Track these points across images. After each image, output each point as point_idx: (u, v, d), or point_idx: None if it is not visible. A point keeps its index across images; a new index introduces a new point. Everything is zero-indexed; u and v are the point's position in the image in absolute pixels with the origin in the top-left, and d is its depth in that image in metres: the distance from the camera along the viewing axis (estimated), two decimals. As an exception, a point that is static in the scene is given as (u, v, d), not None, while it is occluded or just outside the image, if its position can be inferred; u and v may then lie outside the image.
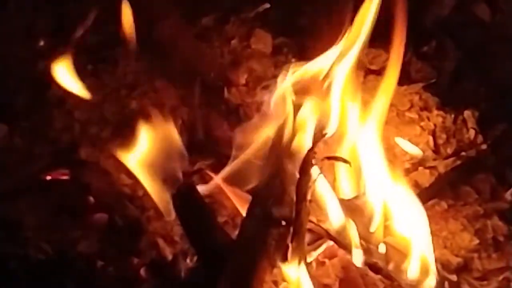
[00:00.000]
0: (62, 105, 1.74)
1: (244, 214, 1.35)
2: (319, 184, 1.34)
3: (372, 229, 1.34)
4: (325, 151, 1.42)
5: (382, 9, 1.39)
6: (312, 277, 1.26)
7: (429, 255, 1.32)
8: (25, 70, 1.80)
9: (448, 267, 1.45)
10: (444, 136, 1.69)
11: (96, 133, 1.70)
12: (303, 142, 1.35)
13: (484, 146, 1.66)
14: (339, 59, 1.40)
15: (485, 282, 1.45)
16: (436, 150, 1.67)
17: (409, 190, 1.36)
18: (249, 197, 1.36)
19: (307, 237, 1.33)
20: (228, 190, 1.40)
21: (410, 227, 1.34)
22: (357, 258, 1.31)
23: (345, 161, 1.33)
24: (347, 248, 1.36)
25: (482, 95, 1.75)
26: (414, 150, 1.64)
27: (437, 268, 1.33)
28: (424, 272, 1.31)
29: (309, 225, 1.34)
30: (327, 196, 1.35)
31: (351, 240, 1.32)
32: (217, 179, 1.40)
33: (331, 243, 1.38)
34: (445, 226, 1.52)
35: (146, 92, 1.76)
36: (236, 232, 1.34)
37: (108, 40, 1.84)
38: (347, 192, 1.41)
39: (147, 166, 1.35)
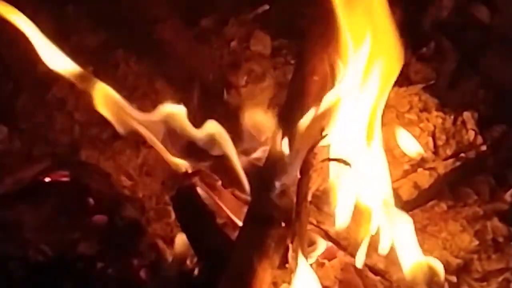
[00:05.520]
0: (62, 106, 1.74)
1: (235, 219, 1.36)
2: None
3: (372, 232, 1.34)
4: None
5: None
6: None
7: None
8: (24, 72, 1.80)
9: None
10: (443, 137, 1.69)
11: (96, 135, 1.70)
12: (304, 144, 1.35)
13: (483, 147, 1.66)
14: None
15: (485, 283, 1.44)
16: (435, 151, 1.67)
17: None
18: (247, 199, 1.37)
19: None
20: (224, 192, 1.40)
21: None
22: (360, 259, 1.31)
23: (346, 163, 1.33)
24: (346, 249, 1.36)
25: (482, 97, 1.75)
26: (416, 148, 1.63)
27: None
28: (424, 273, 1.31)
29: (308, 227, 1.34)
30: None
31: (351, 242, 1.33)
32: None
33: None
34: (445, 227, 1.52)
35: (146, 94, 1.76)
36: (236, 234, 1.34)
37: (109, 42, 1.84)
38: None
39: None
